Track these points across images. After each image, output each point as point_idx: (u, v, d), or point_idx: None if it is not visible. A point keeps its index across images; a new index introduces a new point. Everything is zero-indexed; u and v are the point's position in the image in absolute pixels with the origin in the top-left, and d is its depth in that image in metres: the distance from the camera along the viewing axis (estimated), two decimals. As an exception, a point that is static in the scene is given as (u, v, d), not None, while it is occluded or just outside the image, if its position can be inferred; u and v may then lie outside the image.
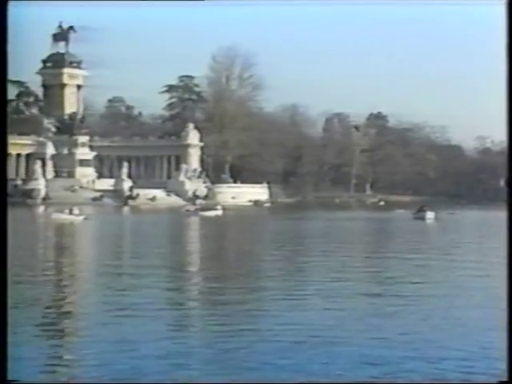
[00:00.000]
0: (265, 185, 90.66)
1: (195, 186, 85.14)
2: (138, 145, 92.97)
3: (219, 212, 50.83)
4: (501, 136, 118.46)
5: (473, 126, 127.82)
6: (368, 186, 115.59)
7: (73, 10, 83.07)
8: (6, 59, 6.97)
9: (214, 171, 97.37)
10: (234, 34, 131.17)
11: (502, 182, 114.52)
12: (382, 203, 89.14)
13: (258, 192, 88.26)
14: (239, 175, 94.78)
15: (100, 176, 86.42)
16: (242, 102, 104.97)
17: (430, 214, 45.93)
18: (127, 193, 79.26)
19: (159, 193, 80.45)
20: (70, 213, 40.96)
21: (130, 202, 76.09)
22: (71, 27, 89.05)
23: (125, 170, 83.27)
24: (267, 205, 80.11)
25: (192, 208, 54.19)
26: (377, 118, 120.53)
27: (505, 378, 6.80)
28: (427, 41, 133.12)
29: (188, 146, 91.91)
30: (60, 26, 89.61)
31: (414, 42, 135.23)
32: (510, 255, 7.45)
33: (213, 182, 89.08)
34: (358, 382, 7.97)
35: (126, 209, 68.28)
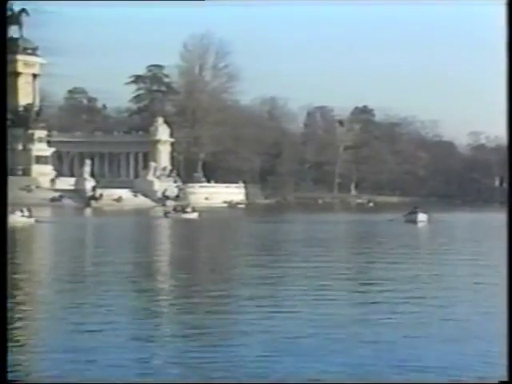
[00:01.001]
0: (241, 184, 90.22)
1: (165, 185, 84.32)
2: (101, 140, 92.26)
3: (193, 214, 50.14)
4: (496, 131, 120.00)
5: (466, 120, 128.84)
6: (353, 186, 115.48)
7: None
8: (6, 59, 7.10)
9: (185, 169, 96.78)
10: (207, 22, 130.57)
11: (497, 182, 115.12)
12: (371, 204, 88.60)
13: (234, 192, 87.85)
14: (213, 174, 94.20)
15: (59, 174, 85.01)
16: (216, 94, 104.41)
17: (421, 217, 45.25)
18: (89, 193, 78.32)
19: (125, 193, 79.66)
20: (22, 215, 39.52)
21: (93, 203, 75.16)
22: (24, 10, 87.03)
23: (87, 168, 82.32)
24: (242, 206, 79.50)
25: (171, 209, 53.21)
26: (362, 112, 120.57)
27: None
28: (420, 36, 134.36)
29: (157, 141, 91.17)
30: (11, 9, 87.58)
31: (405, 37, 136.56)
32: (510, 255, 7.86)
33: (184, 182, 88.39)
34: (358, 382, 8.30)
35: (88, 210, 67.22)
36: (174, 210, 53.51)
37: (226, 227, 43.38)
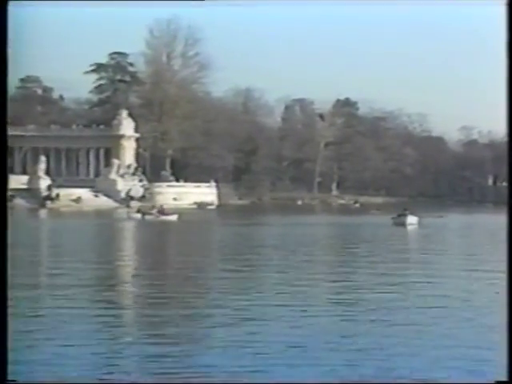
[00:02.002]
0: (213, 184, 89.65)
1: (129, 185, 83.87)
2: (58, 134, 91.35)
3: (173, 217, 50.10)
4: (489, 126, 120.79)
5: (457, 114, 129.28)
6: (334, 186, 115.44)
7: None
8: (6, 59, 7.81)
9: (151, 167, 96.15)
10: (175, 6, 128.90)
11: (491, 180, 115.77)
12: (357, 205, 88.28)
13: (205, 192, 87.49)
14: (182, 172, 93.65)
15: (10, 172, 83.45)
16: (185, 85, 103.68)
17: (411, 219, 44.84)
18: (45, 193, 77.96)
19: (85, 193, 79.18)
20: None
21: (49, 203, 74.74)
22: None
23: (42, 166, 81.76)
24: (212, 207, 79.09)
25: (135, 210, 52.63)
26: (345, 105, 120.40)
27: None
28: (409, 30, 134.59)
29: (121, 137, 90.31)
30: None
31: (393, 30, 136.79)
32: (509, 256, 8.21)
33: (150, 181, 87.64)
34: (358, 382, 8.83)
35: (42, 212, 66.41)
36: (138, 211, 53.25)
37: (193, 231, 42.59)
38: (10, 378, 7.73)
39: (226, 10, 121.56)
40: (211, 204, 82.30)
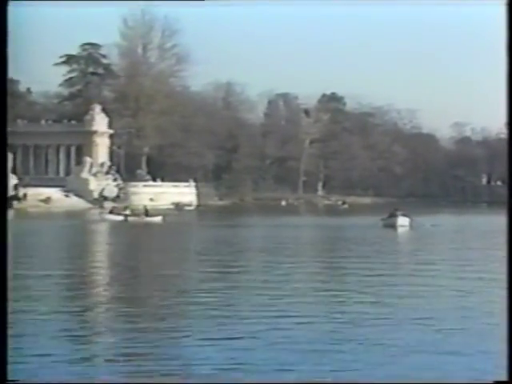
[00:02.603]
0: (191, 183, 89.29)
1: (102, 184, 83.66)
2: (25, 130, 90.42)
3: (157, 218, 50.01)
4: (482, 122, 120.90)
5: (449, 110, 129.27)
6: (320, 185, 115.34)
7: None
8: (6, 59, 8.10)
9: (126, 166, 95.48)
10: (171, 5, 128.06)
11: (484, 180, 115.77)
12: (345, 206, 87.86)
13: (183, 192, 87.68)
14: (159, 171, 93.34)
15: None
16: (162, 79, 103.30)
17: (402, 221, 43.95)
18: (11, 192, 76.20)
19: (55, 193, 78.97)
20: None
21: (15, 203, 73.96)
22: None
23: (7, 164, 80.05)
24: (190, 208, 78.61)
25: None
26: (331, 100, 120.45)
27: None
28: (400, 25, 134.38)
29: (93, 133, 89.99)
30: None
31: (383, 25, 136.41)
32: (510, 256, 8.44)
33: (125, 180, 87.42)
34: (358, 382, 9.19)
35: (9, 213, 64.87)
36: (111, 212, 52.64)
37: (169, 234, 41.64)
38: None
39: (207, 4, 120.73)
40: (190, 205, 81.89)
